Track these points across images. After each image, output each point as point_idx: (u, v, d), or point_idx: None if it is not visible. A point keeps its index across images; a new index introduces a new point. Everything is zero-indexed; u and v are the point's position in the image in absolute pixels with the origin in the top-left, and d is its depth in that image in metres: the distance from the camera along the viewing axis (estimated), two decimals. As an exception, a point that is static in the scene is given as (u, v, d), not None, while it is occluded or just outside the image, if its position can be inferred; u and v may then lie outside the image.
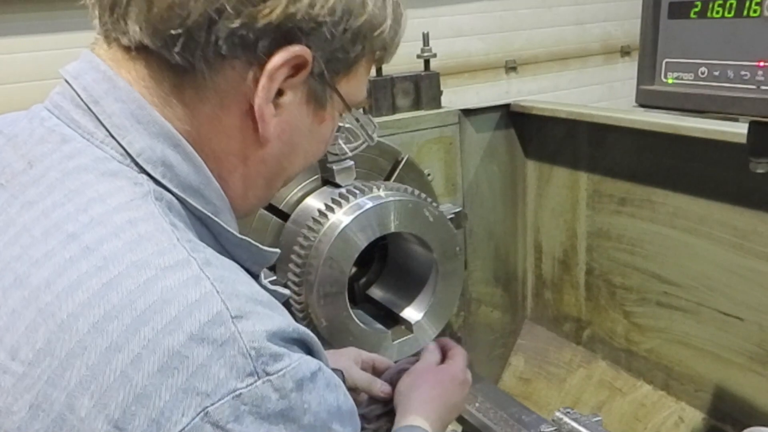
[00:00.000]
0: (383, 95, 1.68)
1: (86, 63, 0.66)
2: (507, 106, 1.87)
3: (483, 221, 1.91)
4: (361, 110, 0.80)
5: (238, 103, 0.65)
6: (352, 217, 1.22)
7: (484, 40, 4.26)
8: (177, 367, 0.50)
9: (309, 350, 0.58)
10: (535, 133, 1.89)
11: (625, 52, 4.92)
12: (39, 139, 0.63)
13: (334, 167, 1.30)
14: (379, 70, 1.70)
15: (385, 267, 1.49)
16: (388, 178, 1.44)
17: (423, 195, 1.33)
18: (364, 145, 0.95)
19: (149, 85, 0.65)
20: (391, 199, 1.27)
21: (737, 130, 1.29)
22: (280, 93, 0.66)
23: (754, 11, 0.79)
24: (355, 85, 0.73)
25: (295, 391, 0.53)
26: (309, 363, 0.55)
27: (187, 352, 0.50)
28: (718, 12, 0.83)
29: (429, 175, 1.61)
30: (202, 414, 0.49)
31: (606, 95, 4.85)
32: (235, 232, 0.67)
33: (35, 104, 0.70)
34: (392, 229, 1.27)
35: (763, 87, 0.80)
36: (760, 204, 1.37)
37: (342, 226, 1.21)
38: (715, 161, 1.42)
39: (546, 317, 2.04)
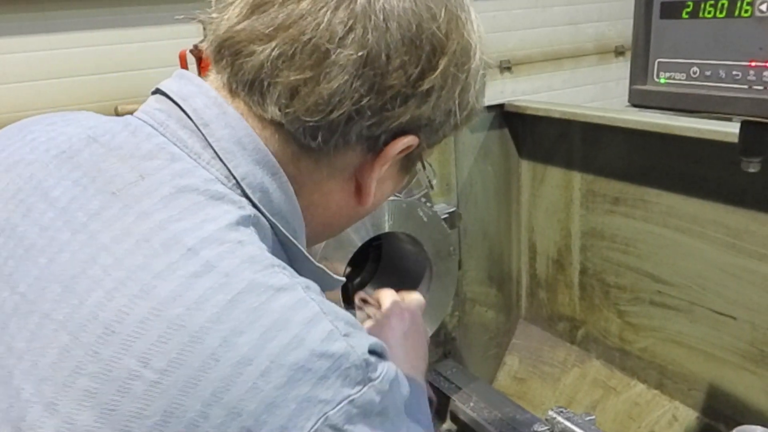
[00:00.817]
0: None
1: (194, 87, 0.69)
2: (501, 106, 1.87)
3: (477, 221, 1.91)
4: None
5: (348, 174, 0.72)
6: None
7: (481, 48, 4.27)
8: (301, 378, 0.55)
9: (388, 358, 0.64)
10: (529, 133, 1.89)
11: (619, 52, 4.93)
12: (147, 154, 0.65)
13: (328, 167, 1.30)
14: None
15: (379, 267, 1.49)
16: (382, 178, 1.44)
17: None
18: (424, 191, 1.05)
19: (270, 147, 0.69)
20: (385, 199, 1.27)
21: (730, 129, 1.29)
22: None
23: (746, 11, 0.80)
24: (432, 150, 0.80)
25: (389, 391, 0.61)
26: (392, 367, 0.63)
27: (310, 365, 0.56)
28: (709, 12, 0.83)
29: (432, 168, 1.61)
30: (323, 419, 0.56)
31: (600, 95, 4.86)
32: (313, 260, 0.73)
33: (83, 112, 0.75)
34: (386, 229, 1.27)
35: (755, 87, 0.80)
36: (753, 203, 1.37)
37: (336, 226, 1.21)
38: (708, 161, 1.43)
39: (540, 317, 2.04)
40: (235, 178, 0.66)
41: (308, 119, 0.65)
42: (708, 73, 0.85)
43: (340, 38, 0.63)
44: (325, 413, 0.55)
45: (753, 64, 0.80)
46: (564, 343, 1.98)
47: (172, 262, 0.58)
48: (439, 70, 0.68)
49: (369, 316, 1.20)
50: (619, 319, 1.77)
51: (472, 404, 1.42)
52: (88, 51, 2.76)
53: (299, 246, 0.71)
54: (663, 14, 0.89)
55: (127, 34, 2.84)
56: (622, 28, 4.86)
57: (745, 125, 0.87)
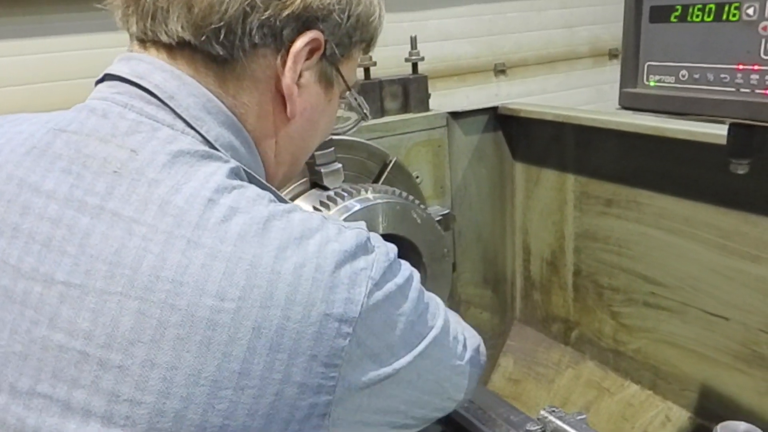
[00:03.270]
0: (372, 98, 1.69)
1: (146, 64, 0.74)
2: (495, 108, 1.88)
3: (471, 223, 1.92)
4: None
5: (270, 87, 0.77)
6: (340, 219, 1.23)
7: (473, 43, 4.28)
8: (342, 260, 0.67)
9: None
10: (522, 136, 1.90)
11: (613, 55, 4.95)
12: (128, 131, 0.71)
13: (322, 170, 1.31)
14: (367, 73, 1.72)
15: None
16: (376, 181, 1.45)
17: (411, 197, 1.34)
18: (358, 125, 1.08)
19: (197, 79, 0.74)
20: (379, 201, 1.27)
21: (721, 132, 1.30)
22: (300, 76, 0.77)
23: (733, 15, 0.81)
24: (351, 68, 0.86)
25: (386, 254, 0.74)
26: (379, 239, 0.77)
27: (343, 249, 0.68)
28: (697, 16, 0.85)
29: (417, 177, 1.62)
30: (370, 281, 0.68)
31: (594, 98, 4.88)
32: (283, 197, 0.81)
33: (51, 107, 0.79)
34: (380, 231, 1.27)
35: (742, 90, 0.81)
36: (744, 205, 1.39)
37: (330, 228, 1.22)
38: (699, 163, 1.44)
39: (534, 318, 2.05)
40: (208, 141, 0.73)
41: (208, 23, 0.71)
42: (696, 76, 0.86)
43: None
44: (369, 276, 0.68)
45: (740, 67, 0.81)
46: (558, 345, 1.99)
47: (201, 213, 0.65)
48: None
49: None
50: (613, 320, 1.78)
51: (465, 405, 1.42)
52: (85, 54, 2.76)
53: (270, 188, 0.77)
54: (652, 18, 0.91)
55: (125, 37, 2.84)
56: (616, 31, 4.87)
57: (733, 127, 0.88)
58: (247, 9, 0.71)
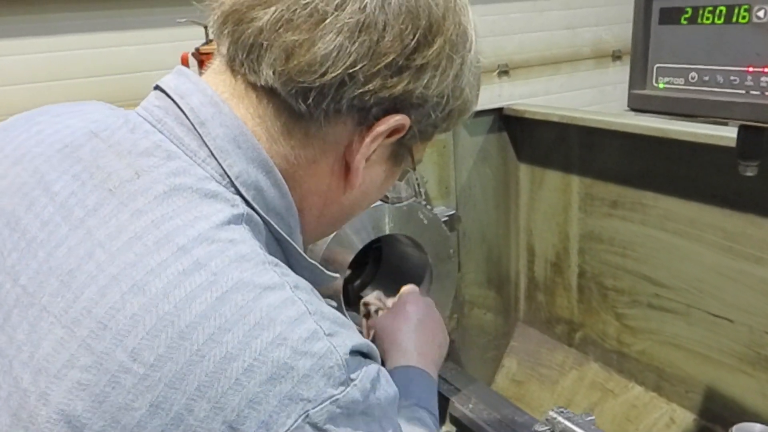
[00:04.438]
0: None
1: (192, 84, 0.71)
2: (500, 110, 1.88)
3: (476, 224, 1.92)
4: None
5: (338, 153, 0.73)
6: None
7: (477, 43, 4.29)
8: (284, 376, 0.57)
9: (373, 358, 0.66)
10: (527, 137, 1.90)
11: (616, 56, 4.95)
12: (144, 152, 0.67)
13: (329, 170, 1.31)
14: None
15: (379, 269, 1.50)
16: (382, 181, 1.45)
17: (417, 198, 1.34)
18: (411, 200, 1.05)
19: (263, 121, 0.71)
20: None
21: (725, 134, 1.31)
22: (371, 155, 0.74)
23: (743, 17, 0.81)
24: (424, 148, 0.82)
25: (371, 391, 0.62)
26: (374, 367, 0.64)
27: (293, 363, 0.57)
28: (708, 18, 0.85)
29: (423, 177, 1.62)
30: (304, 416, 0.57)
31: (597, 99, 4.88)
32: (306, 256, 0.75)
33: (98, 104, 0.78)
34: (386, 232, 1.28)
35: (753, 92, 0.81)
36: (749, 207, 1.39)
37: (337, 228, 1.22)
38: (704, 165, 1.44)
39: (538, 319, 2.05)
40: (229, 176, 0.68)
41: (301, 80, 0.67)
42: (706, 78, 0.86)
43: (338, 2, 0.66)
44: (306, 411, 0.57)
45: (750, 69, 0.81)
46: (562, 346, 1.99)
47: (163, 260, 0.60)
48: (435, 47, 0.70)
49: (369, 315, 1.21)
50: (617, 321, 1.79)
51: (471, 406, 1.42)
52: (87, 53, 2.76)
53: (292, 242, 0.73)
54: (662, 20, 0.91)
55: (127, 36, 2.85)
56: (619, 32, 4.88)
57: (742, 129, 0.88)
58: (347, 79, 0.67)
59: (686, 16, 0.87)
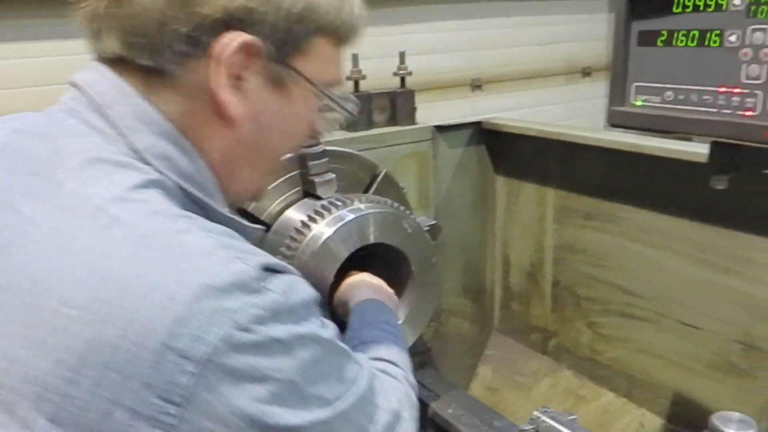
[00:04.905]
0: (361, 111, 1.73)
1: (97, 73, 0.78)
2: (479, 123, 1.94)
3: (454, 234, 1.96)
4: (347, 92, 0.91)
5: (205, 94, 0.77)
6: (334, 228, 1.26)
7: (453, 58, 4.35)
8: (206, 294, 0.63)
9: (288, 272, 0.73)
10: (504, 150, 1.96)
11: (586, 72, 5.07)
12: (61, 134, 0.75)
13: (316, 180, 1.34)
14: (356, 86, 1.76)
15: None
16: (366, 191, 1.48)
17: (402, 207, 1.38)
18: (349, 122, 1.02)
19: (148, 93, 0.76)
20: (371, 211, 1.31)
21: (696, 149, 1.37)
22: (240, 78, 0.77)
23: (714, 41, 0.86)
24: (320, 65, 0.83)
25: (289, 293, 0.70)
26: (288, 275, 0.73)
27: (213, 283, 0.64)
28: (682, 41, 0.90)
29: (403, 188, 1.66)
30: (230, 323, 0.64)
31: (569, 114, 4.98)
32: (224, 211, 0.81)
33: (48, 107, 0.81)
34: (372, 240, 1.31)
35: (724, 110, 0.87)
36: (719, 220, 1.45)
37: (324, 237, 1.25)
38: (676, 179, 1.50)
39: (513, 328, 2.10)
40: (138, 150, 0.74)
41: (132, 37, 0.74)
42: (681, 96, 0.92)
43: None
44: (232, 318, 0.64)
45: (722, 89, 0.87)
46: (536, 354, 2.04)
47: (83, 220, 0.66)
48: None
49: None
50: (590, 330, 1.84)
51: (450, 411, 1.46)
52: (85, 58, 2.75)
53: (207, 201, 0.79)
54: (640, 42, 0.96)
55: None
56: (590, 49, 5.00)
57: (714, 145, 0.93)
58: (163, 20, 0.72)
59: (662, 38, 0.93)
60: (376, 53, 4.01)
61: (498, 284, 2.12)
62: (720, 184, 0.95)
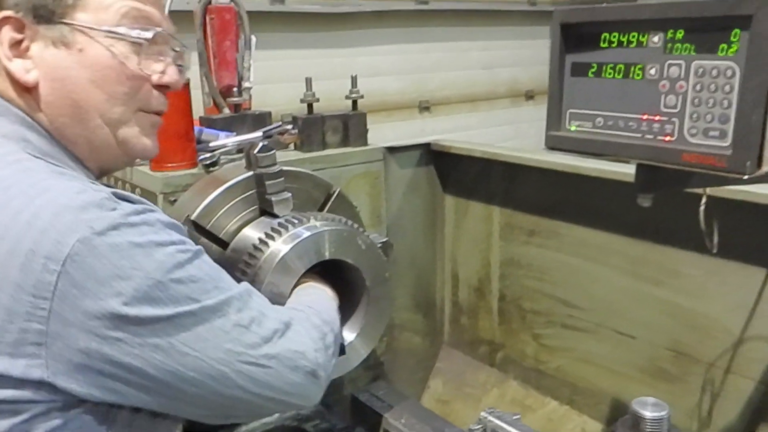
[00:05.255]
0: (314, 132, 1.80)
1: None
2: (428, 144, 2.02)
3: (405, 251, 2.03)
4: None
5: (2, 70, 0.92)
6: (290, 245, 1.31)
7: (401, 80, 4.47)
8: (64, 211, 0.78)
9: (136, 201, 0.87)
10: (452, 170, 2.05)
11: (529, 96, 5.26)
12: None
13: (273, 199, 1.39)
14: (310, 108, 1.82)
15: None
16: (321, 210, 1.54)
17: (355, 225, 1.44)
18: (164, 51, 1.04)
19: None
20: (326, 228, 1.37)
21: (627, 170, 1.48)
22: (27, 49, 0.91)
23: (638, 74, 0.96)
24: (104, 12, 0.93)
25: (144, 210, 0.84)
26: (143, 204, 0.87)
27: (71, 203, 0.78)
28: (610, 73, 1.00)
29: (356, 207, 1.72)
30: (88, 229, 0.77)
31: (513, 135, 5.15)
32: (84, 176, 0.93)
33: None
34: (327, 257, 1.36)
35: (647, 136, 0.96)
36: (649, 235, 1.57)
37: (281, 254, 1.30)
38: (610, 197, 1.61)
39: (462, 341, 2.18)
40: (7, 135, 0.89)
41: None
42: (610, 123, 1.01)
43: None
44: (90, 225, 0.77)
45: (645, 117, 0.96)
46: (484, 366, 2.12)
47: None
48: None
49: None
50: (535, 341, 1.93)
51: (403, 420, 1.52)
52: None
53: (69, 170, 0.90)
54: (573, 72, 1.06)
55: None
56: (533, 74, 5.19)
57: (639, 167, 1.03)
58: None
59: (593, 70, 1.03)
60: (327, 74, 4.08)
61: (447, 299, 2.20)
62: (645, 201, 1.04)
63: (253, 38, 2.37)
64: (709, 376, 1.51)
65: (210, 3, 2.39)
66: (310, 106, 1.82)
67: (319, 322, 1.10)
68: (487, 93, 5.04)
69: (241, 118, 1.83)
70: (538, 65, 5.09)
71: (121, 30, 0.94)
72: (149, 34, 0.96)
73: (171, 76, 1.00)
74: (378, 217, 1.92)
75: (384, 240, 1.63)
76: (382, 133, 4.34)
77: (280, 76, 3.68)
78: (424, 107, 4.68)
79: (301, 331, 1.01)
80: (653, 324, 1.60)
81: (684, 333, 1.55)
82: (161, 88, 1.00)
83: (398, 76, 4.46)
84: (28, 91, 0.92)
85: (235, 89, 1.99)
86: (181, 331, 0.83)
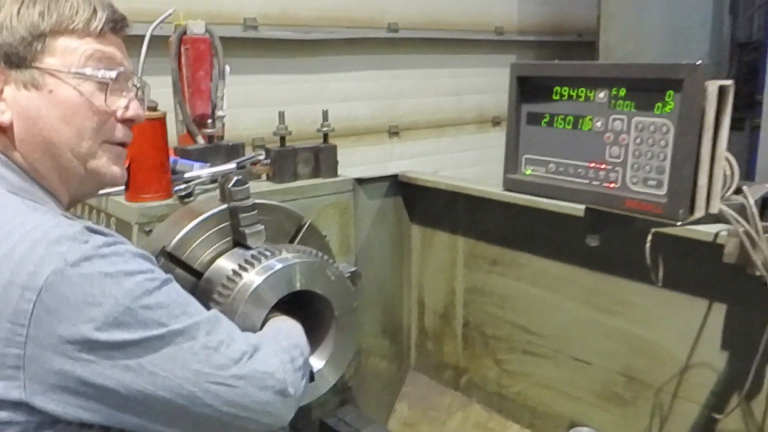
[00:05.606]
0: (286, 164, 1.86)
1: None
2: (395, 176, 2.10)
3: (373, 279, 2.10)
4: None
5: None
6: (263, 277, 1.37)
7: (370, 105, 4.55)
8: (39, 245, 0.84)
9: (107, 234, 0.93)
10: (419, 201, 2.13)
11: (495, 122, 5.38)
12: None
13: (246, 231, 1.45)
14: (282, 141, 1.89)
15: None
16: (292, 241, 1.60)
17: (325, 256, 1.51)
18: (125, 88, 1.10)
19: None
20: (298, 260, 1.43)
21: (582, 206, 1.58)
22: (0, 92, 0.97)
23: (586, 126, 1.05)
24: (70, 56, 0.99)
25: (114, 242, 0.90)
26: (114, 237, 0.93)
27: (45, 237, 0.85)
28: (560, 124, 1.09)
29: (326, 237, 1.79)
30: (61, 260, 0.84)
31: (480, 160, 5.26)
32: (57, 210, 0.99)
33: None
34: (298, 288, 1.42)
35: (594, 182, 1.05)
36: (603, 267, 1.66)
37: (255, 285, 1.36)
38: (566, 231, 1.69)
39: (428, 366, 2.25)
40: None
41: None
42: (561, 169, 1.10)
43: None
44: (64, 257, 0.84)
45: (592, 165, 1.06)
46: (449, 390, 2.19)
47: None
48: None
49: None
50: (497, 366, 2.01)
51: (370, 445, 1.58)
52: None
53: (43, 206, 0.96)
54: (528, 121, 1.15)
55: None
56: (499, 100, 5.32)
57: (587, 210, 1.12)
58: None
59: (546, 120, 1.12)
60: (298, 100, 4.15)
61: (414, 325, 2.27)
62: (593, 241, 1.13)
63: (227, 67, 2.44)
64: (657, 401, 1.60)
65: (185, 33, 2.46)
66: (282, 139, 1.89)
67: (288, 345, 1.16)
68: (454, 119, 5.15)
69: (215, 149, 1.89)
70: (505, 93, 5.17)
71: (88, 71, 1.00)
72: (113, 74, 1.03)
73: (134, 110, 1.07)
74: (347, 246, 1.99)
75: (353, 270, 1.69)
76: (352, 158, 4.44)
77: (252, 101, 3.75)
78: (394, 132, 4.77)
79: (270, 353, 1.07)
80: (607, 351, 1.69)
81: (635, 359, 1.64)
82: (126, 121, 1.07)
83: (368, 101, 4.55)
84: (2, 131, 0.99)
85: (209, 120, 2.05)
86: (149, 353, 0.89)
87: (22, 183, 0.98)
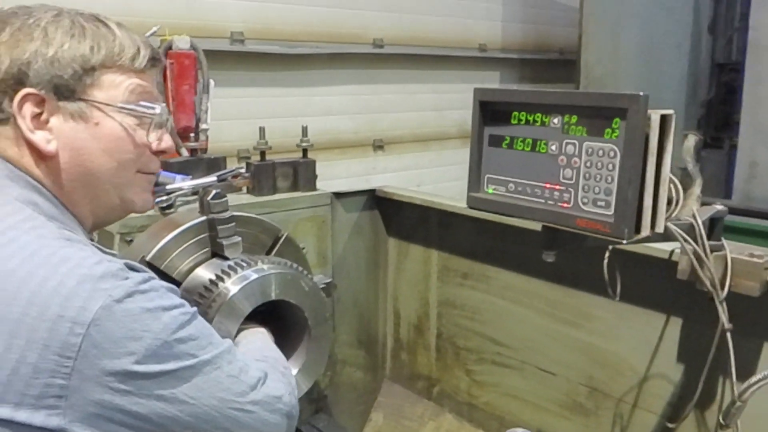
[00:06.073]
0: (266, 177, 1.92)
1: None
2: (372, 191, 2.17)
3: (349, 290, 2.16)
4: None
5: (25, 142, 1.00)
6: (239, 286, 1.43)
7: (354, 119, 4.63)
8: (85, 281, 0.88)
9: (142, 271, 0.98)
10: (395, 215, 2.19)
11: (478, 137, 5.47)
12: None
13: (224, 242, 1.51)
14: (262, 156, 1.95)
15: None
16: (269, 253, 1.66)
17: (300, 268, 1.56)
18: (162, 123, 1.15)
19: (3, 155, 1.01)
20: (273, 271, 1.48)
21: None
22: (44, 122, 1.00)
23: (542, 149, 1.13)
24: (115, 90, 1.04)
25: (149, 278, 0.95)
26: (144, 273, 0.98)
27: (90, 273, 0.89)
28: (519, 146, 1.16)
29: (303, 248, 1.85)
30: (107, 297, 0.88)
31: (462, 174, 5.24)
32: (89, 240, 1.02)
33: None
34: (273, 297, 1.48)
35: (549, 201, 1.12)
36: (566, 281, 1.73)
37: (230, 294, 1.41)
38: (532, 246, 1.75)
39: (402, 376, 2.31)
40: (17, 198, 0.98)
41: None
42: (519, 188, 1.17)
43: None
44: (109, 294, 0.88)
45: (547, 185, 1.13)
46: (422, 400, 2.25)
47: None
48: None
49: None
50: (468, 377, 2.07)
51: (341, 451, 1.63)
52: None
53: (70, 234, 0.99)
54: (490, 143, 1.22)
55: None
56: (481, 116, 5.40)
57: (543, 228, 1.19)
58: None
59: (506, 142, 1.19)
60: (283, 113, 4.20)
61: (389, 335, 2.33)
62: (549, 257, 1.20)
63: (212, 82, 2.51)
64: (618, 410, 1.67)
65: (170, 48, 2.52)
66: (262, 154, 1.96)
67: (283, 368, 1.24)
68: (437, 133, 5.23)
69: (197, 162, 1.94)
70: (487, 109, 5.30)
71: (135, 106, 1.06)
72: (158, 109, 1.09)
73: (167, 142, 1.13)
74: (324, 258, 2.05)
75: (328, 281, 1.76)
76: (336, 171, 4.51)
77: (237, 113, 3.81)
78: (378, 146, 4.84)
79: (276, 378, 1.15)
80: (570, 362, 1.76)
81: (597, 370, 1.71)
82: (158, 153, 1.13)
83: (352, 115, 4.62)
84: (45, 159, 1.01)
85: (193, 133, 2.11)
86: (182, 383, 0.95)
87: (53, 210, 1.01)
